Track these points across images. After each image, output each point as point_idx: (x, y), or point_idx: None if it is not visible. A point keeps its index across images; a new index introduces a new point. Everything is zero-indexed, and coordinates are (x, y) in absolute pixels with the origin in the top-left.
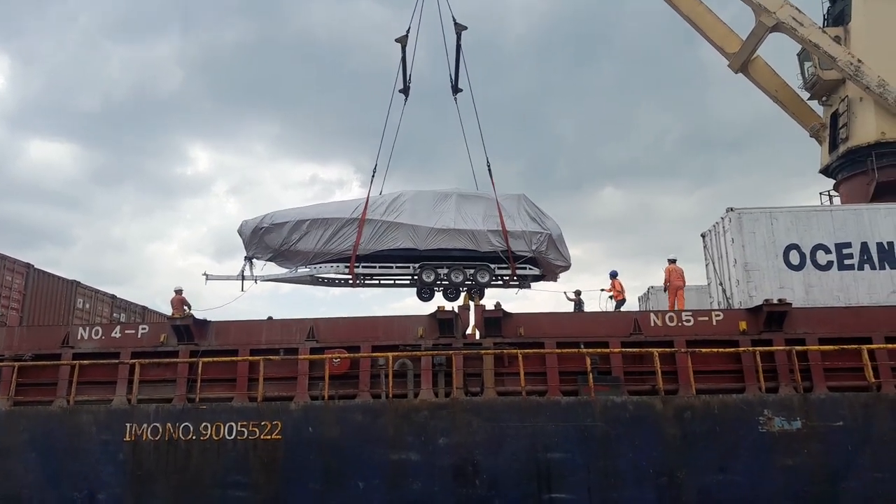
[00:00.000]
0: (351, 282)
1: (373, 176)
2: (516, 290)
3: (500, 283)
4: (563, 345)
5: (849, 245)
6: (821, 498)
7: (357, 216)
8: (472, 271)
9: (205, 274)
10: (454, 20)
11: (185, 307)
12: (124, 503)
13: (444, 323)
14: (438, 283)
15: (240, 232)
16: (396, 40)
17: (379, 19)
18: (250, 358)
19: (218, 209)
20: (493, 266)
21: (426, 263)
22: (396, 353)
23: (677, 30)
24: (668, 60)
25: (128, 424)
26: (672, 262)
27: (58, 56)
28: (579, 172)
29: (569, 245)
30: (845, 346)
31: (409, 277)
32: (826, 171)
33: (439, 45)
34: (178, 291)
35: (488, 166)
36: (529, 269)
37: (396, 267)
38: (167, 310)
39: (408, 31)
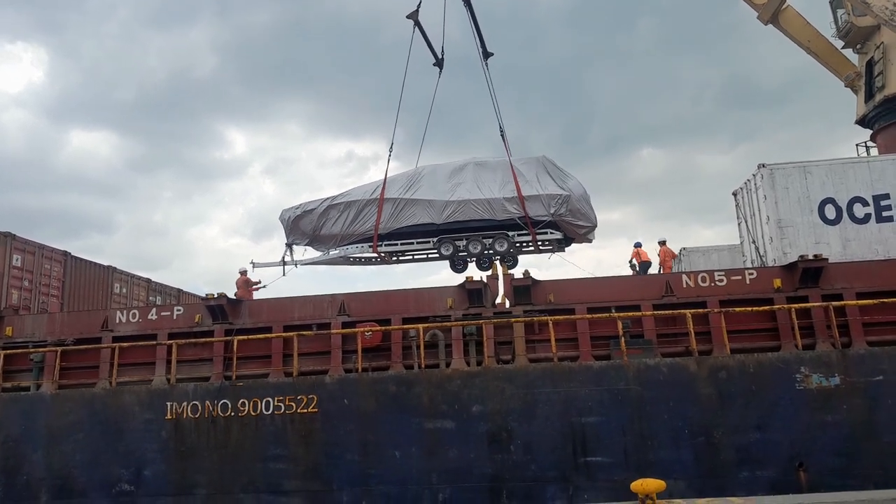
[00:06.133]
0: (380, 260)
1: (390, 153)
2: (549, 255)
3: (532, 248)
4: (594, 310)
5: (887, 196)
6: (863, 454)
7: (377, 196)
8: (489, 241)
9: (252, 262)
10: None
11: (251, 286)
12: (169, 479)
13: (473, 293)
14: (459, 255)
15: (280, 220)
16: (408, 17)
17: None
18: (284, 334)
19: (255, 190)
20: (511, 234)
21: (443, 237)
22: (427, 325)
23: None
24: (706, 15)
25: (168, 403)
26: (662, 243)
27: (98, 48)
28: (617, 135)
29: (607, 210)
30: (885, 300)
31: (435, 252)
32: (863, 122)
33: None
34: (243, 272)
35: (501, 131)
36: (551, 233)
37: (417, 242)
38: (207, 291)
39: (418, 7)
